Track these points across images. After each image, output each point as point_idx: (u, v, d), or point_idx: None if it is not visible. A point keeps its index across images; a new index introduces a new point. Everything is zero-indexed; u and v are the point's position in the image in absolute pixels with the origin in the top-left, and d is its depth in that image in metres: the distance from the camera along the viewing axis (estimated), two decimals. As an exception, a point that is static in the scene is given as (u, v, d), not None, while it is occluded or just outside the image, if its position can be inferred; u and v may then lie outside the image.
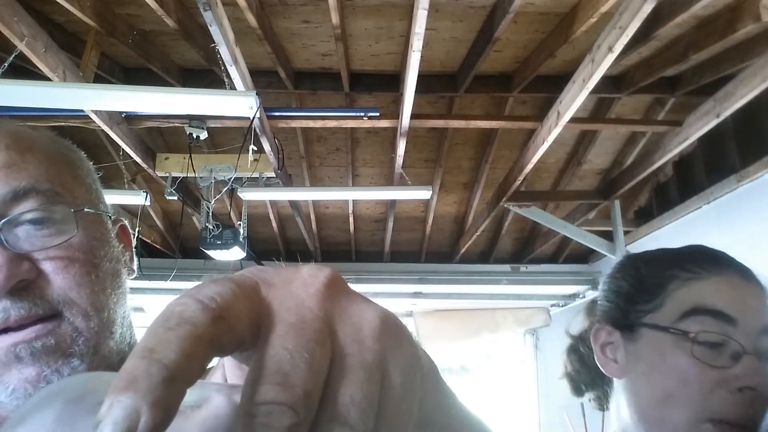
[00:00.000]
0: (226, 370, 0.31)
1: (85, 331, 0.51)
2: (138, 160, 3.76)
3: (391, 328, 0.26)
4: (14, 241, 0.49)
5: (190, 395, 0.21)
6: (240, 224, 3.80)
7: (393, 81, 3.72)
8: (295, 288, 0.26)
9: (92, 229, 0.55)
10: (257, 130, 3.23)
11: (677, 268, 0.71)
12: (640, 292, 0.72)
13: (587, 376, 0.86)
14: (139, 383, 0.19)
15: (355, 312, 0.26)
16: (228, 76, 2.74)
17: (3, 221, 0.49)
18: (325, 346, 0.23)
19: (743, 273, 0.69)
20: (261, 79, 3.57)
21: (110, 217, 0.61)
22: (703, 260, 0.71)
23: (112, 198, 3.83)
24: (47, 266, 0.50)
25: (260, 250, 5.81)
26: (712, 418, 0.61)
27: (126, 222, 0.65)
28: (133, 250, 0.65)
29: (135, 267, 0.64)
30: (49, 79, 2.69)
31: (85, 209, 0.54)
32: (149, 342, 0.21)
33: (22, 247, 0.49)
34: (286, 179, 4.09)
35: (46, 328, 0.49)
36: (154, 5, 2.62)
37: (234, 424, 0.24)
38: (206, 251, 3.60)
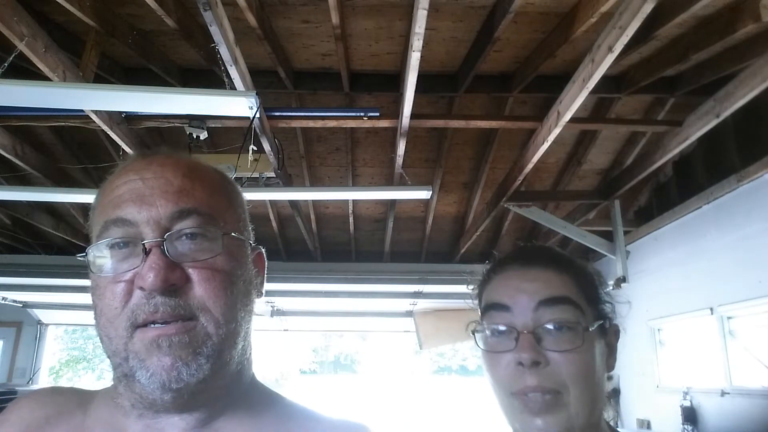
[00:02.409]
0: None
1: (214, 336, 0.60)
2: (138, 160, 3.76)
3: None
4: (173, 251, 0.60)
5: None
6: (240, 224, 3.79)
7: (393, 81, 3.72)
8: None
9: (234, 251, 0.65)
10: (257, 130, 3.23)
11: (483, 278, 0.85)
12: (477, 305, 0.85)
13: None
14: None
15: None
16: (228, 76, 2.74)
17: (167, 234, 0.60)
18: None
19: (524, 261, 0.80)
20: (261, 79, 3.57)
21: (251, 244, 0.71)
22: (496, 264, 0.84)
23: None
24: (194, 275, 0.60)
25: (260, 250, 5.80)
26: (512, 392, 0.73)
27: (263, 250, 0.75)
28: (265, 275, 0.74)
29: (263, 290, 0.73)
30: (49, 79, 2.69)
31: (232, 234, 0.65)
32: None
33: (178, 257, 0.60)
34: (286, 179, 4.09)
35: (184, 327, 0.59)
36: (154, 5, 2.63)
37: None
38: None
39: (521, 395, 0.72)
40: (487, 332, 0.78)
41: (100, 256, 0.61)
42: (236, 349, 0.64)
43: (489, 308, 0.79)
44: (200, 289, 0.60)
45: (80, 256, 0.62)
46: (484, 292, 0.83)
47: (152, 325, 0.58)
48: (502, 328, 0.76)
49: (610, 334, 0.80)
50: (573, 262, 0.81)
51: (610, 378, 0.81)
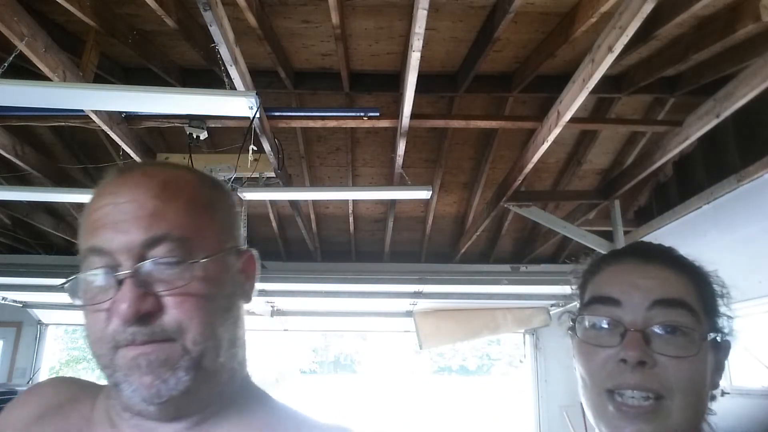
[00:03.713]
0: None
1: (192, 352, 0.62)
2: (138, 160, 3.76)
3: None
4: (146, 279, 0.62)
5: None
6: (240, 224, 3.80)
7: (393, 81, 3.72)
8: None
9: (212, 271, 0.66)
10: (257, 130, 3.23)
11: (591, 268, 0.81)
12: (579, 294, 0.82)
13: None
14: None
15: None
16: (228, 76, 2.74)
17: (137, 264, 0.61)
18: None
19: (642, 257, 0.76)
20: (261, 79, 3.57)
21: (238, 251, 0.72)
22: (609, 256, 0.80)
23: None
24: (168, 301, 0.62)
25: (260, 250, 5.80)
26: (607, 388, 0.70)
27: (255, 252, 0.75)
28: (256, 277, 0.75)
29: (252, 295, 0.74)
30: (49, 79, 2.69)
31: (201, 261, 0.64)
32: None
33: (151, 286, 0.62)
34: (286, 179, 4.09)
35: (161, 348, 0.61)
36: (154, 5, 2.62)
37: None
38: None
39: (618, 393, 0.68)
40: (587, 323, 0.74)
41: (83, 286, 0.64)
42: (220, 358, 0.66)
43: (595, 300, 0.75)
44: (175, 313, 0.62)
45: (62, 284, 0.65)
46: (591, 282, 0.78)
47: (131, 346, 0.61)
48: (606, 322, 0.72)
49: (721, 349, 0.74)
50: (696, 267, 0.77)
51: (713, 397, 0.75)
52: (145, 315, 0.61)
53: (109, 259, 0.62)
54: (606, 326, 0.72)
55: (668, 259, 0.75)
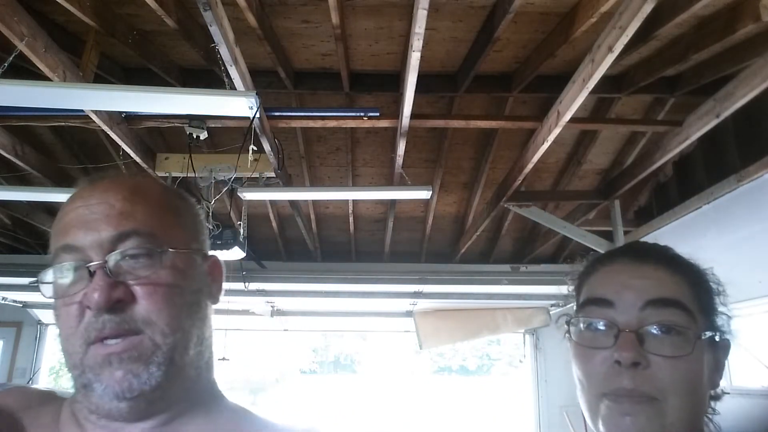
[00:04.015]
0: None
1: (162, 346, 0.65)
2: (138, 160, 3.76)
3: None
4: (116, 270, 0.64)
5: None
6: (240, 224, 3.80)
7: (393, 81, 3.72)
8: None
9: (179, 265, 0.69)
10: (257, 130, 3.23)
11: (586, 269, 0.80)
12: (575, 296, 0.81)
13: None
14: None
15: None
16: (228, 76, 2.74)
17: (108, 255, 0.65)
18: None
19: (635, 257, 0.75)
20: (261, 79, 3.57)
21: (204, 255, 0.75)
22: (603, 256, 0.79)
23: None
24: (138, 291, 0.65)
25: (260, 250, 5.81)
26: (604, 392, 0.69)
27: (219, 258, 0.78)
28: (222, 282, 0.78)
29: (220, 297, 0.77)
30: (49, 79, 2.69)
31: (169, 250, 0.68)
32: None
33: (121, 276, 0.65)
34: (286, 179, 4.09)
35: (131, 343, 0.63)
36: (154, 5, 2.62)
37: None
38: (206, 251, 3.59)
39: (613, 397, 0.68)
40: (582, 326, 0.73)
41: (53, 281, 0.66)
42: (189, 355, 0.68)
43: (589, 302, 0.74)
44: (144, 303, 0.64)
45: (32, 283, 0.67)
46: (585, 284, 0.78)
47: (105, 342, 0.63)
48: (601, 324, 0.71)
49: (719, 348, 0.73)
50: (691, 265, 0.76)
51: (716, 397, 0.74)
52: (117, 304, 0.63)
53: (80, 255, 0.65)
54: (600, 328, 0.71)
55: (662, 258, 0.75)
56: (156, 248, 0.67)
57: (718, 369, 0.73)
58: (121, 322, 0.63)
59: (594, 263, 0.79)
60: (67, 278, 0.65)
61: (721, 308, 0.75)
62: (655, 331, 0.69)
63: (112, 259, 0.64)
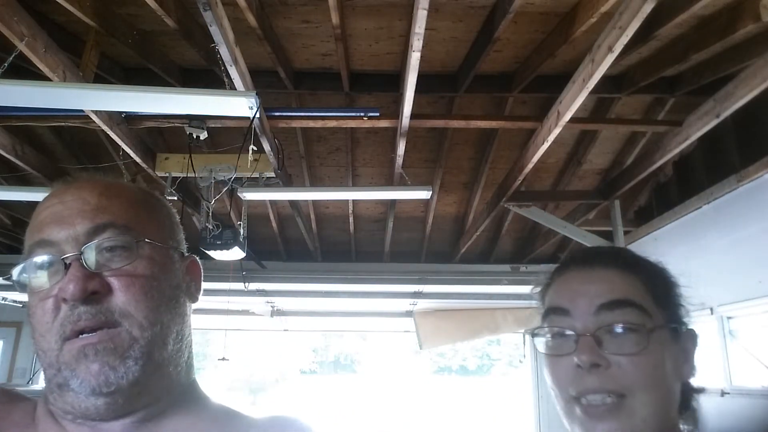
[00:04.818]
0: None
1: (140, 339, 0.63)
2: (138, 160, 3.76)
3: None
4: (92, 262, 0.63)
5: None
6: (240, 224, 3.80)
7: (393, 81, 3.72)
8: None
9: (156, 257, 0.68)
10: (257, 130, 3.23)
11: (547, 281, 0.83)
12: (540, 307, 0.84)
13: None
14: None
15: None
16: (228, 76, 2.74)
17: (84, 246, 0.64)
18: None
19: (584, 263, 0.78)
20: (261, 79, 3.57)
21: (182, 253, 0.75)
22: (559, 267, 0.82)
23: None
24: (115, 283, 0.64)
25: (260, 250, 5.81)
26: (573, 395, 0.72)
27: (197, 258, 0.78)
28: (201, 281, 0.77)
29: (199, 296, 0.76)
30: (49, 79, 2.69)
31: (146, 240, 0.67)
32: None
33: (96, 267, 0.64)
34: (286, 179, 4.09)
35: (108, 335, 0.62)
36: (154, 5, 2.62)
37: None
38: (206, 251, 3.59)
39: (581, 398, 0.71)
40: (548, 336, 0.76)
41: (28, 276, 0.65)
42: (167, 350, 0.67)
43: (549, 312, 0.78)
44: (121, 295, 0.63)
45: (5, 279, 0.66)
46: (546, 295, 0.81)
47: (80, 336, 0.61)
48: (561, 332, 0.74)
49: (685, 339, 0.75)
50: (640, 261, 0.79)
51: (697, 390, 0.76)
52: (93, 295, 0.62)
53: (54, 249, 0.64)
54: (562, 335, 0.74)
55: (610, 260, 0.77)
56: (132, 239, 0.66)
57: (687, 360, 0.75)
58: (97, 314, 0.61)
59: (552, 274, 0.82)
60: (42, 273, 0.64)
61: (678, 300, 0.77)
62: (610, 332, 0.71)
63: (88, 251, 0.63)
